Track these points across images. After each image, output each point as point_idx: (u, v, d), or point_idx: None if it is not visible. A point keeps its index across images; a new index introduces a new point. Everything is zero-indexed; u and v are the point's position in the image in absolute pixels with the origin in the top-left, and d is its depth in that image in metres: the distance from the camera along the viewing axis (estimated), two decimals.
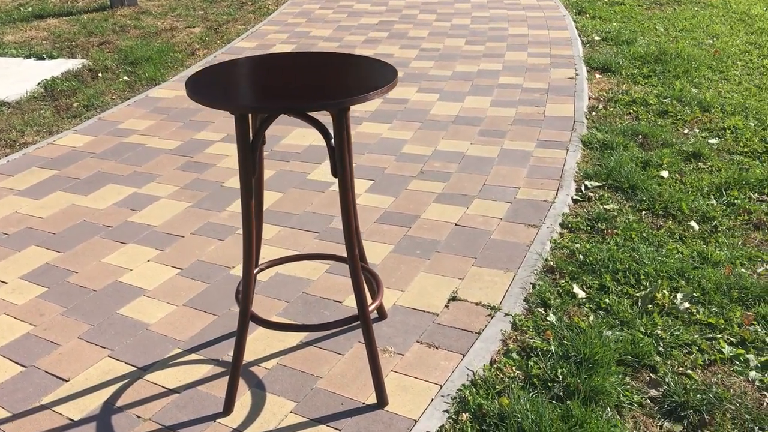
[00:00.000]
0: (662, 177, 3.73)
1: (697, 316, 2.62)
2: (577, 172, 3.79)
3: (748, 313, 2.63)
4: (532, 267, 2.92)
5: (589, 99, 4.95)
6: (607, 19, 7.30)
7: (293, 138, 4.39)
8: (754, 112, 4.60)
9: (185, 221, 3.42)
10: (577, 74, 5.39)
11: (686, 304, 2.68)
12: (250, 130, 2.06)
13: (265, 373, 2.38)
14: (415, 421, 2.14)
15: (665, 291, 2.76)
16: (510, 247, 3.08)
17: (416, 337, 2.53)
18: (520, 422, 2.10)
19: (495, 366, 2.39)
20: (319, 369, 2.39)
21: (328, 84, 1.96)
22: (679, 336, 2.51)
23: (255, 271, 2.46)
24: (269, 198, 3.61)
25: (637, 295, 2.75)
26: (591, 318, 2.62)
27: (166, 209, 3.54)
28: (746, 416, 2.16)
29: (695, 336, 2.52)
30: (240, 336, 2.16)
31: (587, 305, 2.70)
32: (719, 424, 2.14)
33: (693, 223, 3.28)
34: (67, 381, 2.38)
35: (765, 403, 2.22)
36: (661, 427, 2.15)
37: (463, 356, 2.42)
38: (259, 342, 2.54)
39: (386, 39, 6.65)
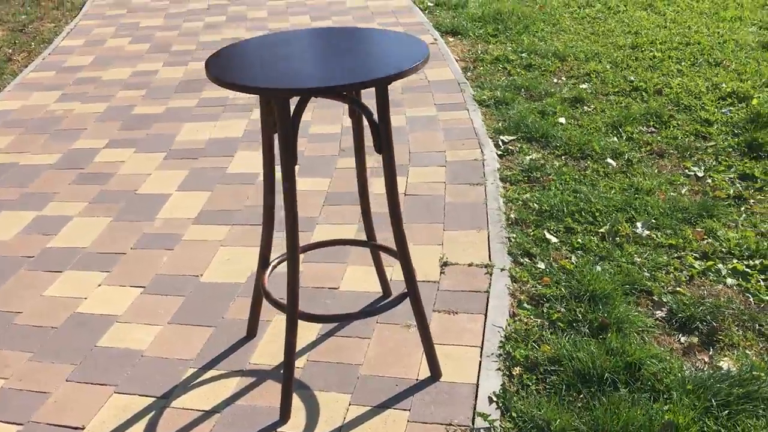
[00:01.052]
0: (561, 123, 4.00)
1: (659, 239, 2.89)
2: (487, 129, 3.95)
3: (698, 230, 2.94)
4: (498, 222, 3.03)
5: (456, 61, 5.14)
6: None
7: (187, 134, 4.12)
8: (604, 56, 5.05)
9: (117, 237, 3.11)
10: (435, 40, 5.56)
11: (646, 231, 2.94)
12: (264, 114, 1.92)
13: (300, 372, 2.27)
14: (476, 385, 2.17)
15: (624, 223, 3.00)
16: (468, 207, 3.16)
17: (430, 307, 2.54)
18: (573, 364, 2.21)
19: (517, 319, 2.47)
20: (353, 357, 2.32)
21: (363, 59, 1.88)
22: (654, 260, 2.75)
23: (272, 268, 2.32)
24: (199, 198, 3.38)
25: (602, 231, 2.96)
26: (573, 258, 2.79)
27: (86, 228, 3.19)
28: (744, 317, 2.43)
29: (666, 258, 2.78)
30: (290, 336, 2.04)
31: (564, 248, 2.87)
32: (727, 328, 2.39)
33: (610, 160, 3.57)
34: (82, 429, 2.10)
35: (752, 303, 2.52)
36: (680, 342, 2.36)
37: (485, 316, 2.47)
38: (273, 343, 2.41)
39: (227, 23, 6.39)
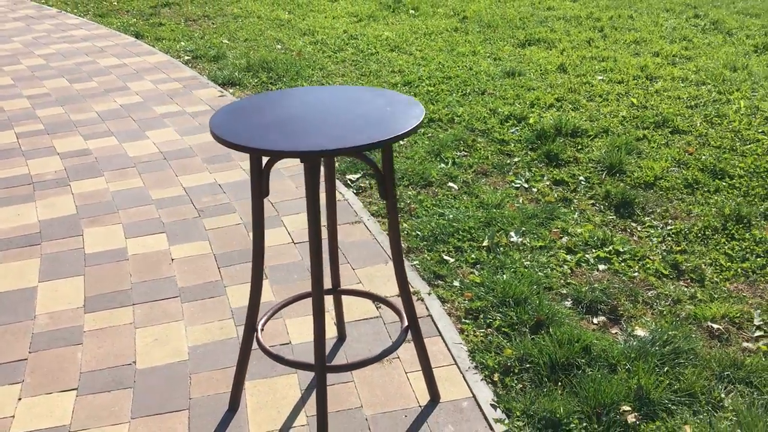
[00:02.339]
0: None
1: (531, 244, 3.36)
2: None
3: (554, 230, 3.48)
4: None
5: None
6: (174, 39, 7.48)
7: (9, 220, 3.67)
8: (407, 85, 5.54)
9: (4, 344, 2.72)
10: (221, 92, 5.59)
11: (519, 239, 3.40)
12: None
13: (307, 429, 2.28)
14: (474, 397, 2.38)
15: (499, 234, 3.42)
16: (361, 245, 3.34)
17: (389, 340, 2.69)
18: (539, 359, 2.54)
19: (467, 333, 2.73)
20: (349, 402, 2.39)
21: (365, 119, 2.02)
22: (537, 260, 3.22)
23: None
24: (73, 285, 3.08)
25: (485, 245, 3.35)
26: (476, 272, 3.13)
27: None
28: (628, 293, 2.98)
29: (544, 258, 3.25)
30: (321, 392, 2.07)
31: (464, 265, 3.20)
32: (622, 304, 2.92)
33: (451, 184, 4.00)
34: None
35: (625, 280, 3.09)
36: (594, 323, 2.82)
37: (441, 336, 2.69)
38: (264, 410, 2.37)
39: None
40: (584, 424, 2.27)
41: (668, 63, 6.14)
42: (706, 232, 3.43)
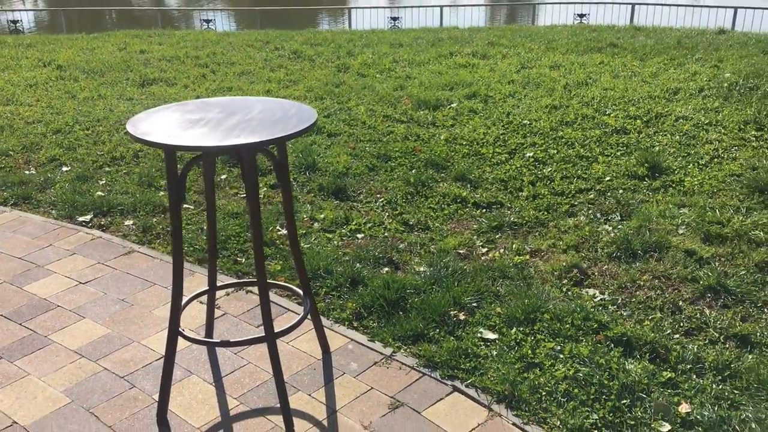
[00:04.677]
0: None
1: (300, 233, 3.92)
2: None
3: (305, 219, 4.09)
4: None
5: None
6: None
7: None
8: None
9: None
10: None
11: (284, 231, 3.92)
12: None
13: (252, 401, 2.53)
14: (353, 340, 2.91)
15: (270, 230, 3.89)
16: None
17: (248, 322, 3.01)
18: (379, 301, 3.17)
19: None
20: (264, 375, 2.69)
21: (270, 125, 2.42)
22: (312, 242, 3.80)
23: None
24: None
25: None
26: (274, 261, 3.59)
27: None
28: (395, 245, 3.78)
29: (313, 239, 3.85)
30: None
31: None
32: (398, 254, 3.70)
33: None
34: None
35: (387, 237, 3.88)
36: (386, 271, 3.55)
37: (292, 310, 3.12)
38: (195, 407, 2.52)
39: None
40: (438, 329, 3.00)
41: (283, 87, 7.14)
42: (407, 197, 4.43)
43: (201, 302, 3.25)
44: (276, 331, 2.46)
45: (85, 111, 6.23)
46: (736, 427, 2.40)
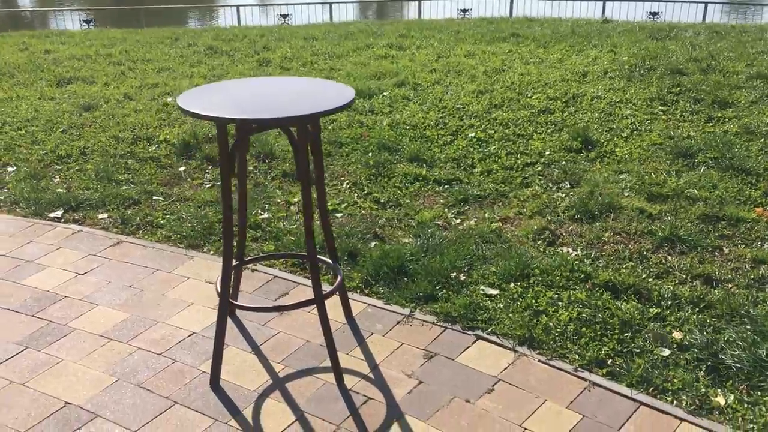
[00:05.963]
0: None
1: (276, 216, 4.05)
2: None
3: (281, 205, 4.22)
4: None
5: None
6: None
7: None
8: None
9: None
10: None
11: (268, 214, 4.04)
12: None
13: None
14: (370, 305, 3.11)
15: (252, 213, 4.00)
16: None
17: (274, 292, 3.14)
18: (384, 269, 3.38)
19: None
20: (301, 337, 2.85)
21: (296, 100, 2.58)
22: (280, 226, 3.95)
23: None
24: None
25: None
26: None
27: None
28: (375, 222, 3.99)
29: (288, 223, 4.00)
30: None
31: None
32: (382, 230, 3.91)
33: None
34: None
35: (365, 216, 4.08)
36: (373, 245, 3.76)
37: (303, 284, 3.27)
38: (246, 368, 2.64)
39: None
40: (444, 290, 3.25)
41: (209, 81, 7.14)
42: (370, 178, 4.65)
43: (209, 282, 3.33)
44: (299, 302, 2.62)
45: (8, 113, 6.01)
46: (723, 345, 2.82)
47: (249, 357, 2.79)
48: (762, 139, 5.08)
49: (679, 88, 6.35)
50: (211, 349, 2.84)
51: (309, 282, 3.35)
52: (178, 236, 3.83)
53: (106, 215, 4.09)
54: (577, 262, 3.48)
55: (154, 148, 5.17)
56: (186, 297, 3.22)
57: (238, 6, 17.43)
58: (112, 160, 4.96)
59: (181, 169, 4.82)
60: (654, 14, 15.85)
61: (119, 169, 4.79)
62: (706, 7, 16.97)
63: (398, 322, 3.02)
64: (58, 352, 2.83)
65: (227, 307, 2.58)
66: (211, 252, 3.67)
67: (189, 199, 4.34)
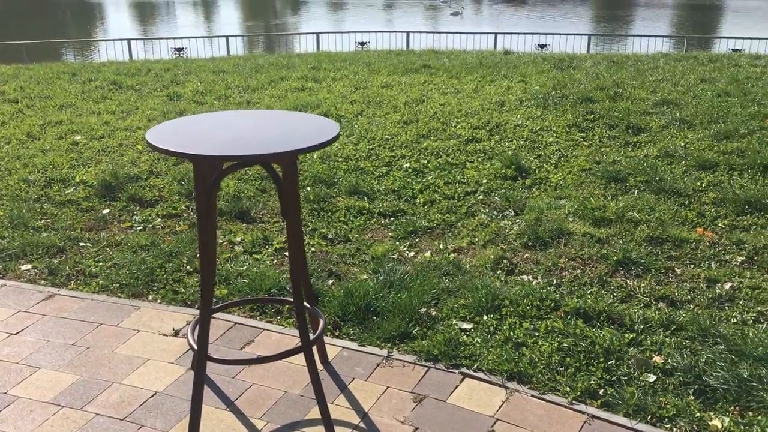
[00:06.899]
0: None
1: (251, 252, 3.81)
2: None
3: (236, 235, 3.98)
4: None
5: None
6: None
7: None
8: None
9: None
10: None
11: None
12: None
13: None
14: (344, 347, 2.93)
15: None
16: None
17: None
18: (351, 309, 3.21)
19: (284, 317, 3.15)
20: (275, 393, 2.63)
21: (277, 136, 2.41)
22: (259, 263, 3.73)
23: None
24: None
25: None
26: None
27: None
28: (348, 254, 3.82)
29: (264, 257, 3.78)
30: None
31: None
32: (345, 267, 3.75)
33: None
34: None
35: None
36: (330, 283, 3.59)
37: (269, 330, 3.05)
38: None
39: None
40: (418, 327, 3.12)
41: (119, 118, 6.75)
42: (312, 213, 4.48)
43: (163, 334, 3.06)
44: (285, 351, 2.44)
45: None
46: (704, 368, 2.83)
47: (225, 415, 2.55)
48: (682, 162, 5.29)
49: (593, 115, 6.57)
50: (181, 408, 2.58)
51: (273, 327, 3.13)
52: (117, 285, 3.52)
53: (29, 266, 3.71)
54: (543, 290, 3.45)
55: (71, 190, 4.80)
56: (140, 352, 2.94)
57: (129, 39, 16.80)
58: (25, 205, 4.54)
59: (105, 211, 4.48)
60: (542, 46, 16.56)
61: (35, 215, 4.39)
62: (589, 39, 17.93)
63: (378, 365, 2.86)
64: (3, 426, 2.48)
65: (205, 363, 2.35)
66: (158, 300, 3.38)
67: (121, 243, 4.01)
